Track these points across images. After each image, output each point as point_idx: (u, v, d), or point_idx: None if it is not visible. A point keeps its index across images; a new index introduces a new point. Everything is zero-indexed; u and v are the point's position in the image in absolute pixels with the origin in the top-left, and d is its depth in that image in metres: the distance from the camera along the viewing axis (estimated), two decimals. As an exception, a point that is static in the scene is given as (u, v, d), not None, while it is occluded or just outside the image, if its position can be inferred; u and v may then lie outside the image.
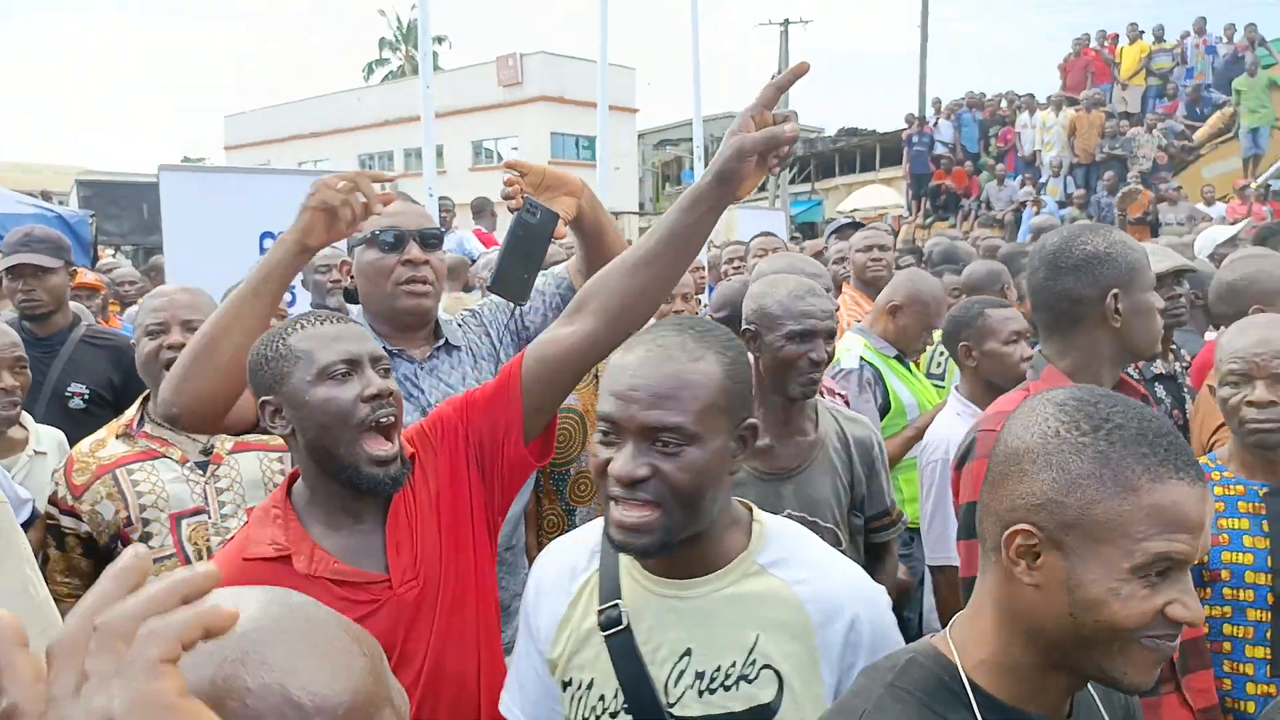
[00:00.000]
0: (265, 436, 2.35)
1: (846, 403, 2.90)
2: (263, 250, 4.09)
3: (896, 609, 2.70)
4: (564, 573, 1.39)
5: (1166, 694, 1.65)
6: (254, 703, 0.60)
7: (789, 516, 2.23)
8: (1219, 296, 2.86)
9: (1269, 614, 1.80)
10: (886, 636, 1.29)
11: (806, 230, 24.18)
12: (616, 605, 1.30)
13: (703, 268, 6.48)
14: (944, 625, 1.15)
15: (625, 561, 1.33)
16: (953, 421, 2.65)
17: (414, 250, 2.02)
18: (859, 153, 29.15)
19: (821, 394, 2.49)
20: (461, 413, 1.63)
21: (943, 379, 3.57)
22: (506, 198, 1.88)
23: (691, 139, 8.29)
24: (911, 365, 3.38)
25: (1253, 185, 11.82)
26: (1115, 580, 0.94)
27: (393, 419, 1.52)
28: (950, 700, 1.01)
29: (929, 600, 2.97)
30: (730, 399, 1.26)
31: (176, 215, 4.14)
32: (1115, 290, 1.79)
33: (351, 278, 2.13)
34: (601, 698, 1.30)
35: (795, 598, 1.27)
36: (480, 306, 2.25)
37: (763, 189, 31.93)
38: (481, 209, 8.73)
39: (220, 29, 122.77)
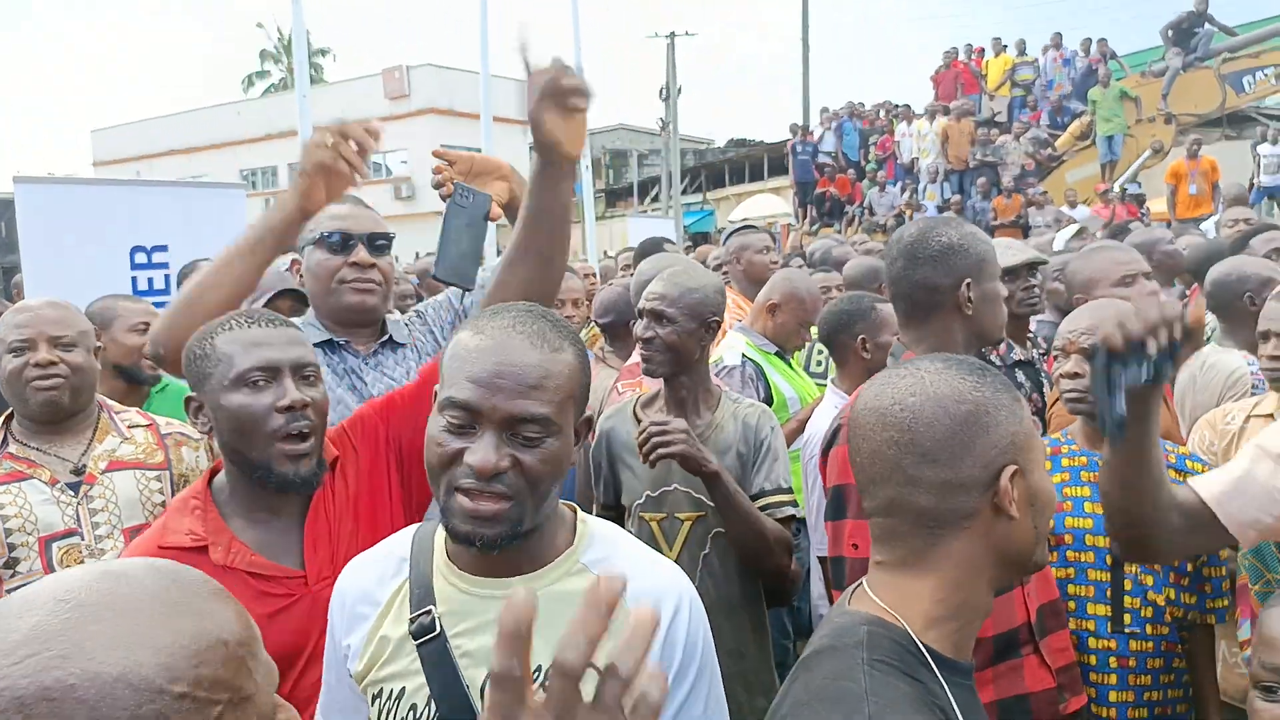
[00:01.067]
0: (143, 454, 2.32)
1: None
2: (134, 265, 3.96)
3: (786, 598, 2.81)
4: (369, 585, 1.32)
5: (1027, 655, 1.76)
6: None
7: (675, 491, 2.34)
8: (1066, 287, 3.10)
9: (1107, 574, 1.96)
10: (703, 638, 1.29)
11: (699, 239, 24.49)
12: (429, 611, 1.25)
13: (594, 275, 6.56)
14: None
15: (439, 564, 1.28)
16: (832, 414, 2.75)
17: (361, 253, 2.07)
18: (748, 163, 29.79)
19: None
20: (382, 414, 1.66)
21: (825, 376, 3.72)
22: (437, 186, 1.93)
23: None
24: (791, 360, 3.51)
25: (1116, 188, 12.60)
26: (1044, 474, 1.11)
27: (306, 430, 1.53)
28: (915, 664, 1.04)
29: (817, 588, 3.07)
30: (581, 392, 1.25)
31: (34, 231, 3.95)
32: (968, 279, 1.91)
33: (302, 276, 2.18)
34: (413, 707, 1.25)
35: None
36: (424, 306, 2.29)
37: (655, 199, 32.33)
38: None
39: (81, 39, 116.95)
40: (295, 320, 2.24)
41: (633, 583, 1.24)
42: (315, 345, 2.12)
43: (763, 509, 2.29)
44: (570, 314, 3.64)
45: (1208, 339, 3.36)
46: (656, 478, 2.38)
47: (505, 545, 1.18)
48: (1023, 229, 12.56)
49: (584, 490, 3.10)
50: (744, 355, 3.34)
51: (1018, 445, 1.07)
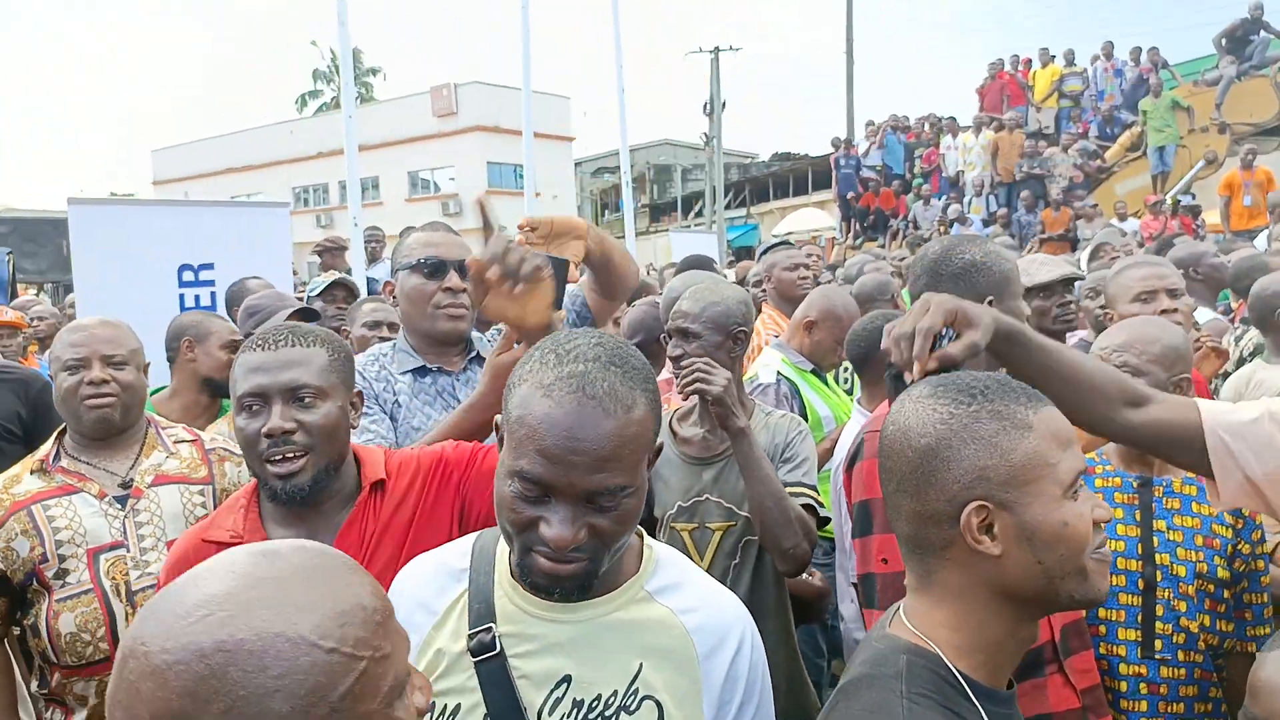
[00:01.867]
0: (187, 469, 2.40)
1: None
2: (181, 283, 4.09)
3: (817, 616, 2.80)
4: (427, 593, 1.29)
5: (1051, 674, 1.74)
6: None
7: (706, 502, 2.36)
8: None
9: (1139, 599, 1.92)
10: (762, 671, 1.28)
11: (743, 253, 24.49)
12: (490, 629, 1.22)
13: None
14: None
15: (500, 579, 1.26)
16: (855, 431, 2.75)
17: (454, 279, 2.20)
18: (791, 176, 29.68)
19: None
20: (464, 465, 1.68)
21: (851, 392, 3.70)
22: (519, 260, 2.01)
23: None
24: (828, 378, 3.50)
25: (1168, 200, 12.35)
26: (1056, 508, 1.04)
27: (293, 454, 1.57)
28: (954, 695, 1.03)
29: (850, 609, 3.05)
30: (654, 436, 1.22)
31: (86, 250, 4.11)
32: (990, 298, 1.91)
33: (395, 298, 2.33)
34: None
35: (681, 626, 1.23)
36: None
37: (699, 214, 32.36)
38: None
39: (140, 61, 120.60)
40: (386, 345, 2.35)
41: (697, 615, 1.25)
42: (410, 371, 2.24)
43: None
44: (610, 333, 3.67)
45: (1252, 355, 3.29)
46: (688, 488, 2.40)
47: (583, 593, 1.19)
48: (1071, 242, 12.36)
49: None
50: (779, 373, 3.35)
51: (991, 479, 1.04)
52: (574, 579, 1.17)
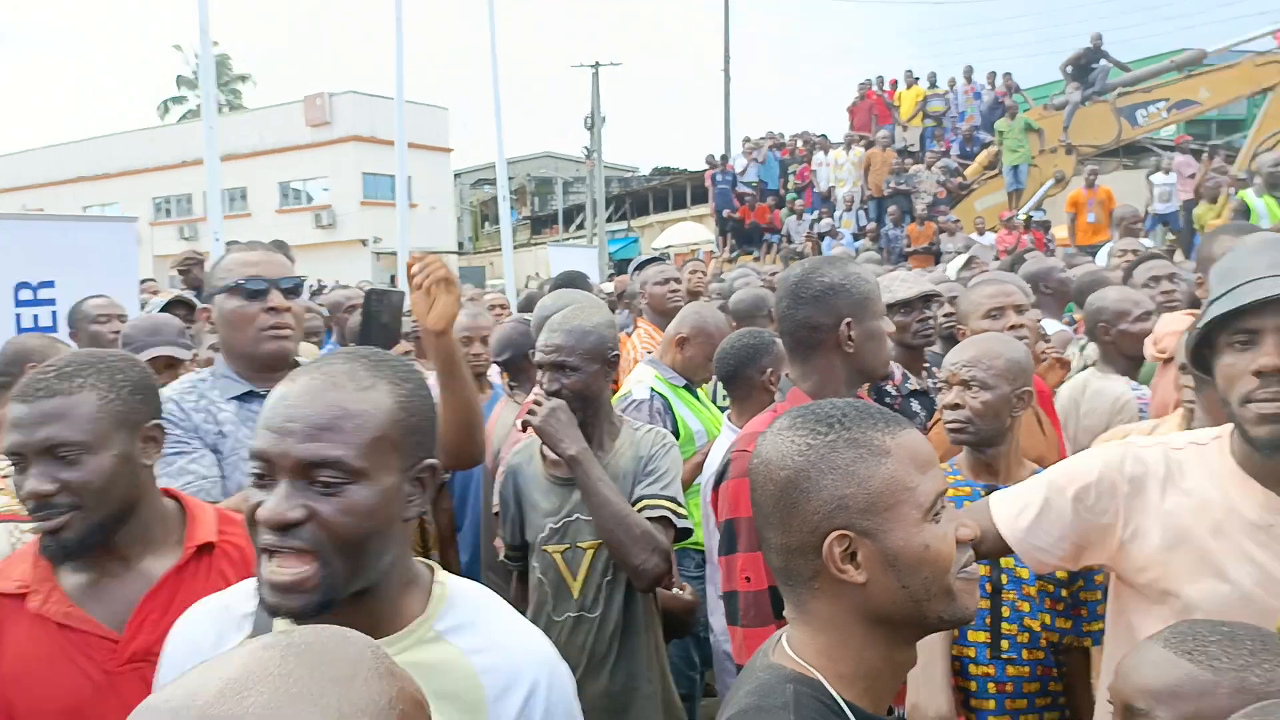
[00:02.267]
0: (18, 507, 2.23)
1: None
2: (18, 302, 3.82)
3: (688, 630, 2.82)
4: (205, 642, 1.20)
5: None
6: None
7: (576, 521, 2.37)
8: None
9: (988, 601, 2.02)
10: (565, 710, 1.20)
11: (623, 266, 24.69)
12: None
13: (505, 306, 6.54)
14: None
15: (281, 625, 1.13)
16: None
17: (276, 298, 2.13)
18: (671, 191, 30.10)
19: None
20: None
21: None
22: (418, 287, 2.05)
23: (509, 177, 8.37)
24: (700, 393, 3.55)
25: (1020, 216, 13.09)
26: (917, 531, 1.05)
27: (47, 516, 1.45)
28: None
29: (719, 623, 3.08)
30: (404, 433, 1.12)
31: (-86, 265, 3.78)
32: (848, 319, 1.97)
33: (212, 324, 2.23)
34: None
35: (470, 668, 1.15)
36: None
37: (580, 227, 32.42)
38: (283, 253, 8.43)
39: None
40: (204, 372, 2.23)
41: (487, 655, 1.16)
42: (235, 398, 2.13)
43: (638, 511, 2.32)
44: (479, 351, 3.61)
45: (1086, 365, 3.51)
46: (557, 508, 2.39)
47: (319, 614, 1.04)
48: (935, 255, 12.95)
49: (490, 531, 3.08)
50: (652, 389, 3.37)
51: (851, 508, 1.05)
52: (299, 590, 1.05)
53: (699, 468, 3.14)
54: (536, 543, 2.43)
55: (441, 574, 1.23)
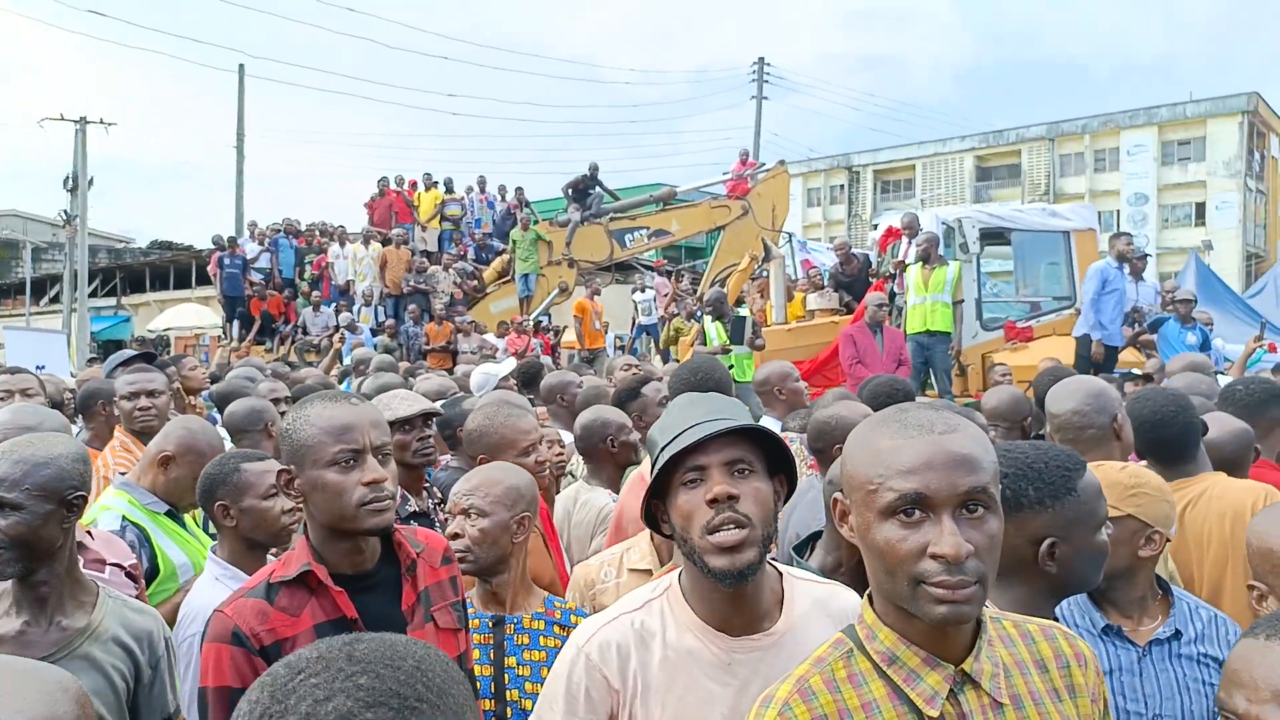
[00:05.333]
0: None
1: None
2: None
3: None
4: None
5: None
6: None
7: None
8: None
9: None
10: None
11: (112, 347, 21.80)
12: None
13: None
14: None
15: None
16: (211, 588, 2.45)
17: None
18: (173, 268, 27.43)
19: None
20: None
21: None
22: None
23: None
24: (188, 520, 3.17)
25: (530, 321, 14.06)
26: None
27: None
28: None
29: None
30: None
31: None
32: (290, 467, 1.84)
33: None
34: None
35: None
36: None
37: (56, 300, 27.93)
38: None
39: None
40: None
41: None
42: None
43: None
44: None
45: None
46: None
47: None
48: (452, 354, 13.36)
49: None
50: (125, 517, 2.93)
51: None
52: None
53: (172, 614, 2.76)
54: None
55: None
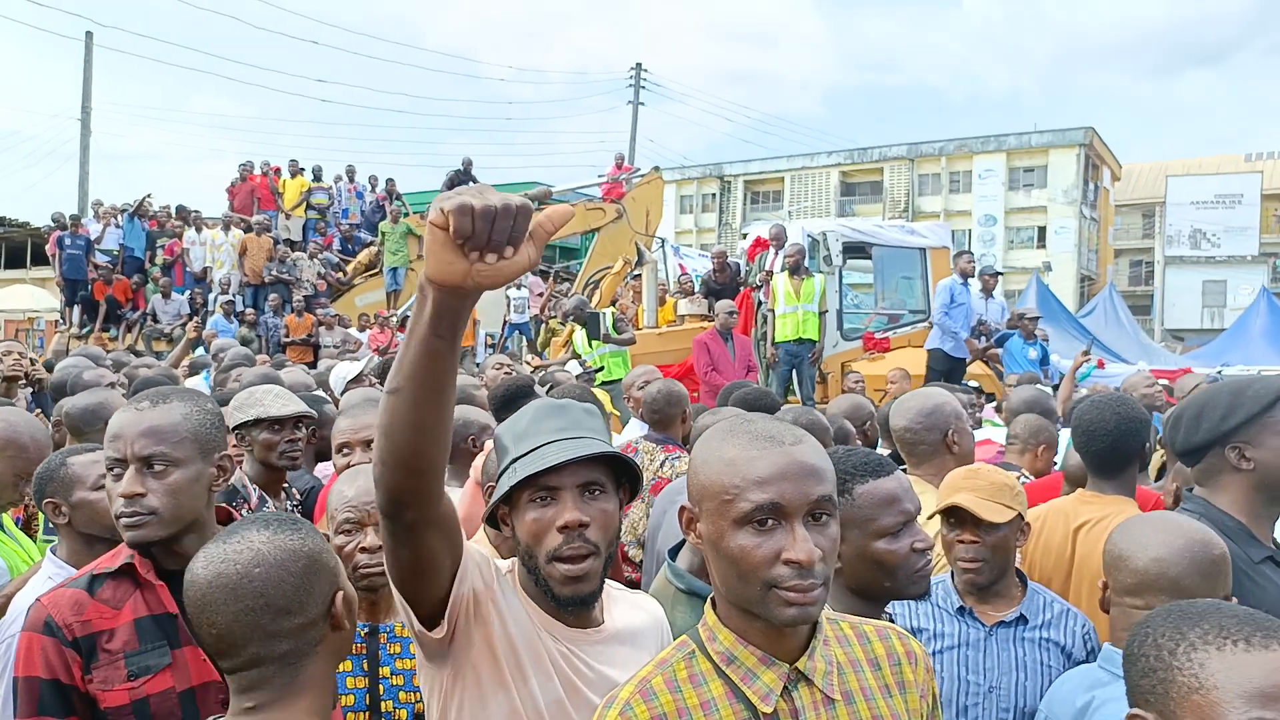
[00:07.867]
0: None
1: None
2: None
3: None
4: None
5: None
6: None
7: None
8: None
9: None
10: None
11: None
12: None
13: None
14: None
15: None
16: (43, 588, 2.30)
17: None
18: (5, 246, 25.43)
19: None
20: None
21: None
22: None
23: None
24: (4, 519, 2.93)
25: (394, 317, 13.70)
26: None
27: None
28: None
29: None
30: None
31: None
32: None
33: None
34: None
35: None
36: None
37: None
38: None
39: None
40: None
41: None
42: None
43: None
44: None
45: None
46: None
47: None
48: (314, 347, 12.89)
49: None
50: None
51: (340, 570, 1.44)
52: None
53: (3, 609, 2.56)
54: None
55: None
